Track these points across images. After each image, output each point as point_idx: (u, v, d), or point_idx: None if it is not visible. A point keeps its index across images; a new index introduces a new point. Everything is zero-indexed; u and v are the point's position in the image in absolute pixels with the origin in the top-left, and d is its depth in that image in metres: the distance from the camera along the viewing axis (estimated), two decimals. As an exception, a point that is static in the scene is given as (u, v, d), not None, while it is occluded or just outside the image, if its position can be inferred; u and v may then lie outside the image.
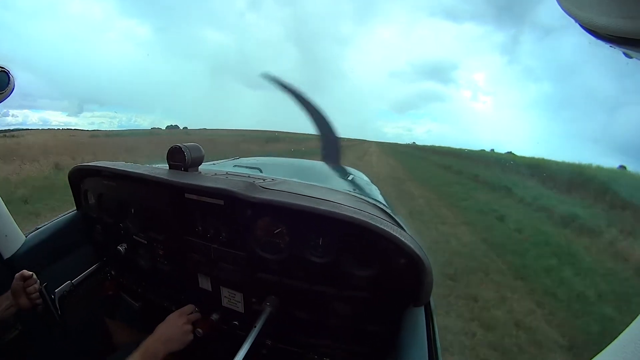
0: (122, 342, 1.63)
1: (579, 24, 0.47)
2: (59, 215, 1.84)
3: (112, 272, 1.79)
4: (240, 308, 1.37)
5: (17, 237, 1.61)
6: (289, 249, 1.22)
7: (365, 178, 3.08)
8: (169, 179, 1.33)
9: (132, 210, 1.55)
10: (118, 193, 1.58)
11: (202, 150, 1.49)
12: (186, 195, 1.33)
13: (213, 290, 1.41)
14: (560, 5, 0.47)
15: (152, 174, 1.37)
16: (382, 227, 1.07)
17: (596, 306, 4.50)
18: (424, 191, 12.51)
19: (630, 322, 0.48)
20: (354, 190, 1.87)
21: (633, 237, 7.02)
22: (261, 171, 2.13)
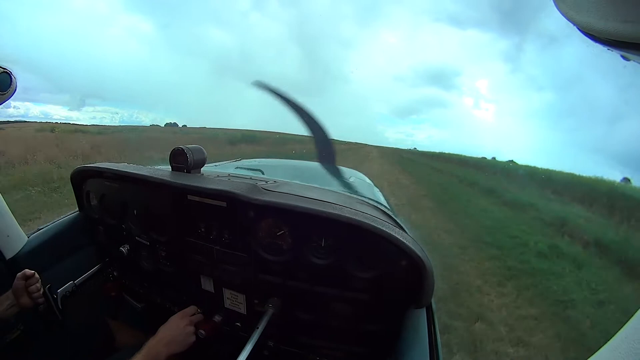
0: (125, 343, 1.63)
1: (577, 28, 0.48)
2: (62, 216, 1.84)
3: (115, 273, 1.79)
4: (242, 309, 1.37)
5: (20, 237, 1.62)
6: (291, 250, 1.23)
7: (368, 180, 3.09)
8: (172, 180, 1.34)
9: (135, 212, 1.56)
10: (120, 194, 1.59)
11: (205, 152, 1.49)
12: (189, 196, 1.33)
13: (215, 292, 1.41)
14: (558, 8, 0.48)
15: (155, 176, 1.38)
16: (384, 229, 1.08)
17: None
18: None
19: (625, 323, 0.49)
20: (356, 192, 1.88)
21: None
22: (263, 173, 2.13)
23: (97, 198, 1.74)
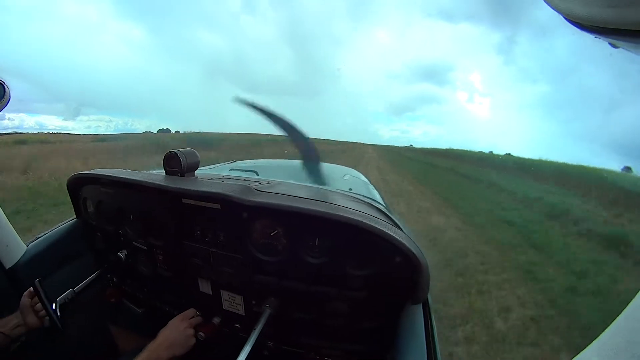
0: (126, 349, 1.64)
1: (563, 16, 0.47)
2: (59, 224, 1.85)
3: (114, 279, 1.80)
4: (241, 311, 1.38)
5: (18, 246, 1.62)
6: (286, 250, 1.23)
7: (363, 177, 3.09)
8: (166, 184, 1.34)
9: (131, 217, 1.56)
10: (116, 200, 1.59)
11: (198, 155, 1.49)
12: (183, 200, 1.33)
13: (213, 294, 1.42)
14: None
15: (149, 181, 1.38)
16: (377, 227, 1.08)
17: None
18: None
19: (613, 319, 0.49)
20: (351, 190, 1.88)
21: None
22: (257, 174, 2.13)
23: (93, 205, 1.74)
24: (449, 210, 9.35)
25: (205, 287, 1.43)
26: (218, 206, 1.26)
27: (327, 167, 3.06)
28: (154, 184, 1.36)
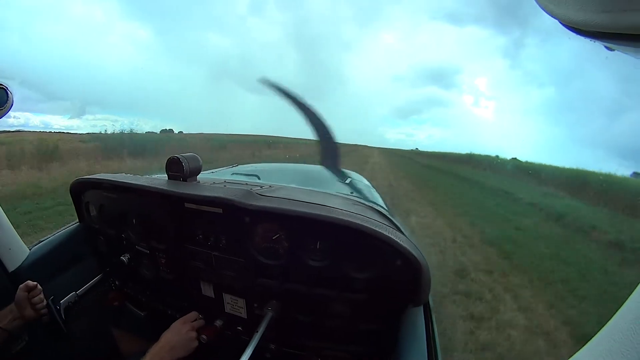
0: (129, 352, 1.65)
1: (559, 21, 0.48)
2: (62, 228, 1.86)
3: (117, 283, 1.80)
4: (243, 314, 1.38)
5: (21, 250, 1.63)
6: (288, 254, 1.24)
7: (365, 181, 3.09)
8: (168, 189, 1.36)
9: (134, 221, 1.57)
10: (119, 204, 1.60)
11: (200, 160, 1.50)
12: (185, 204, 1.34)
13: (216, 297, 1.42)
14: (538, 3, 0.48)
15: (152, 185, 1.40)
16: (377, 230, 1.09)
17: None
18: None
19: (609, 318, 0.49)
20: (352, 193, 1.88)
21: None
22: (259, 178, 2.14)
23: (96, 209, 1.75)
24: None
25: (207, 290, 1.44)
26: (220, 210, 1.27)
27: (328, 171, 3.06)
28: (157, 188, 1.37)
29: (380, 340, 1.23)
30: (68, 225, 1.87)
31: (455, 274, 5.04)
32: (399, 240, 1.09)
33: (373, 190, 2.63)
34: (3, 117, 1.27)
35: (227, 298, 1.40)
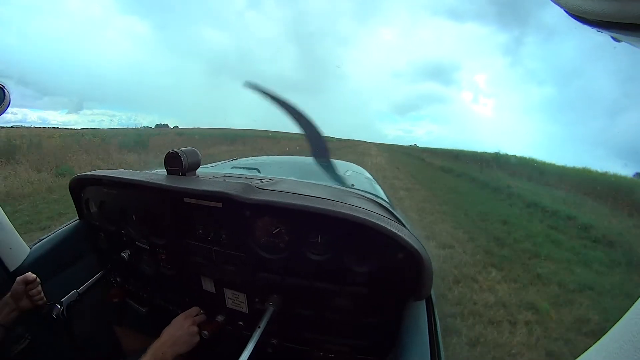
0: (131, 349, 1.65)
1: (565, 11, 0.47)
2: (62, 226, 1.85)
3: (118, 279, 1.80)
4: (244, 309, 1.38)
5: (22, 249, 1.62)
6: (289, 248, 1.23)
7: (367, 174, 3.07)
8: (167, 184, 1.34)
9: (134, 217, 1.57)
10: (119, 200, 1.59)
11: (199, 154, 1.49)
12: (185, 199, 1.33)
13: (217, 292, 1.42)
14: None
15: (151, 181, 1.38)
16: (379, 223, 1.08)
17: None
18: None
19: (616, 321, 0.48)
20: (353, 186, 1.87)
21: None
22: (259, 171, 2.13)
23: (96, 205, 1.74)
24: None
25: (208, 286, 1.43)
26: (220, 205, 1.26)
27: (329, 164, 3.04)
28: (155, 183, 1.36)
29: (382, 334, 1.22)
30: (68, 223, 1.87)
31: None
32: (401, 234, 1.08)
33: (374, 183, 2.61)
34: (1, 116, 1.26)
35: (228, 293, 1.40)
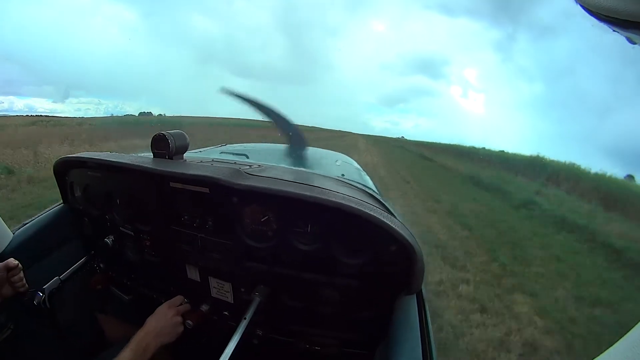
0: (115, 337, 1.62)
1: (580, 5, 0.44)
2: (46, 210, 1.80)
3: (101, 266, 1.76)
4: (229, 298, 1.35)
5: (5, 234, 1.57)
6: (277, 236, 1.19)
7: (356, 164, 3.05)
8: (153, 167, 1.30)
9: (118, 201, 1.52)
10: (103, 184, 1.55)
11: (187, 137, 1.44)
12: (171, 184, 1.29)
13: (202, 281, 1.39)
14: None
15: (136, 163, 1.34)
16: (371, 214, 1.05)
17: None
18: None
19: (628, 330, 0.46)
20: (343, 175, 1.84)
21: None
22: (248, 157, 2.09)
23: (80, 189, 1.69)
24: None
25: (193, 274, 1.40)
26: (207, 190, 1.22)
27: (319, 153, 3.00)
28: (141, 166, 1.31)
29: (371, 327, 1.20)
30: (52, 207, 1.81)
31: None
32: (393, 225, 1.05)
33: (363, 173, 2.59)
34: None
35: (213, 282, 1.36)
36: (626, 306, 4.29)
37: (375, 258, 1.12)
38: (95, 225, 1.67)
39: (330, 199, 1.07)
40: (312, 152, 2.90)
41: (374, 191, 1.63)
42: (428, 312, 1.11)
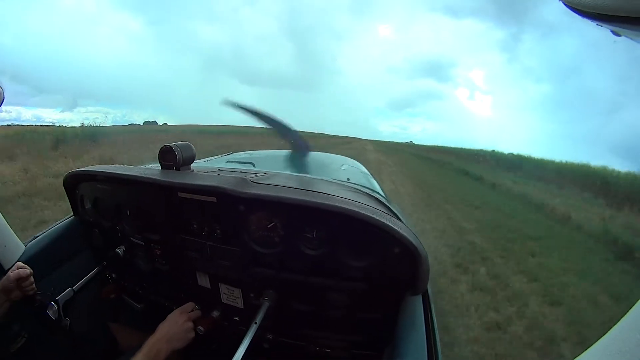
0: (127, 345, 1.64)
1: (563, 3, 0.45)
2: (57, 222, 1.83)
3: (113, 276, 1.79)
4: (239, 304, 1.37)
5: (17, 246, 1.60)
6: (283, 242, 1.22)
7: (362, 168, 3.06)
8: (161, 179, 1.33)
9: (128, 212, 1.55)
10: (113, 196, 1.58)
11: (193, 148, 1.48)
12: (179, 194, 1.32)
13: (212, 287, 1.41)
14: None
15: (144, 175, 1.37)
16: (375, 217, 1.07)
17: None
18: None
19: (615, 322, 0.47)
20: (348, 180, 1.86)
21: None
22: (254, 165, 2.12)
23: (90, 201, 1.72)
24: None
25: (203, 281, 1.43)
26: (214, 199, 1.25)
27: (324, 157, 3.01)
28: (150, 178, 1.35)
29: (378, 329, 1.21)
30: (63, 220, 1.85)
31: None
32: (397, 228, 1.07)
33: (370, 177, 2.60)
34: None
35: (223, 288, 1.39)
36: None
37: (380, 260, 1.14)
38: (106, 236, 1.70)
39: (334, 204, 1.10)
40: (317, 157, 2.91)
41: (380, 194, 1.65)
42: (434, 313, 1.13)
